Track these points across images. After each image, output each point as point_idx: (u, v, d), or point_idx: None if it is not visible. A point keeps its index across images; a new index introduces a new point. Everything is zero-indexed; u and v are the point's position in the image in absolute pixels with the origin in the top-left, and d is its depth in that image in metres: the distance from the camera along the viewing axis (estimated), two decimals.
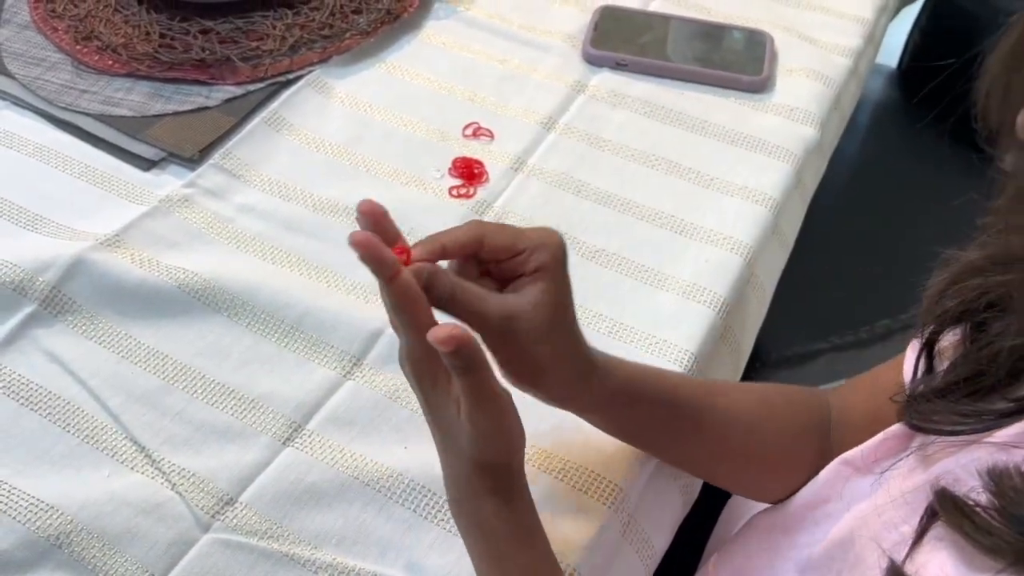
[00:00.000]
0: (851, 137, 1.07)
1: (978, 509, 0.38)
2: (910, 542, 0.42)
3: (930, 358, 0.50)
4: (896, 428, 0.51)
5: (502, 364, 0.48)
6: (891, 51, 1.29)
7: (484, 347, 0.45)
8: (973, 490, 0.39)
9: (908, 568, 0.41)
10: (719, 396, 0.58)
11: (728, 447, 0.58)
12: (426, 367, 0.45)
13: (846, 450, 0.55)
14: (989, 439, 0.42)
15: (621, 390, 0.53)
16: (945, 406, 0.46)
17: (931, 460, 0.45)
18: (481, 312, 0.46)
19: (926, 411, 0.47)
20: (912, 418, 0.48)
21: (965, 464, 0.42)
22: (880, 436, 0.52)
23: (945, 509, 0.40)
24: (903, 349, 1.04)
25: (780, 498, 0.60)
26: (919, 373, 0.50)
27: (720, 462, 0.60)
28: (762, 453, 0.59)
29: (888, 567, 0.42)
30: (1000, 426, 0.42)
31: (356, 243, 0.42)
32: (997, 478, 0.38)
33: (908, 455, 0.48)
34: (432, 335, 0.41)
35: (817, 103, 0.85)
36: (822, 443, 0.60)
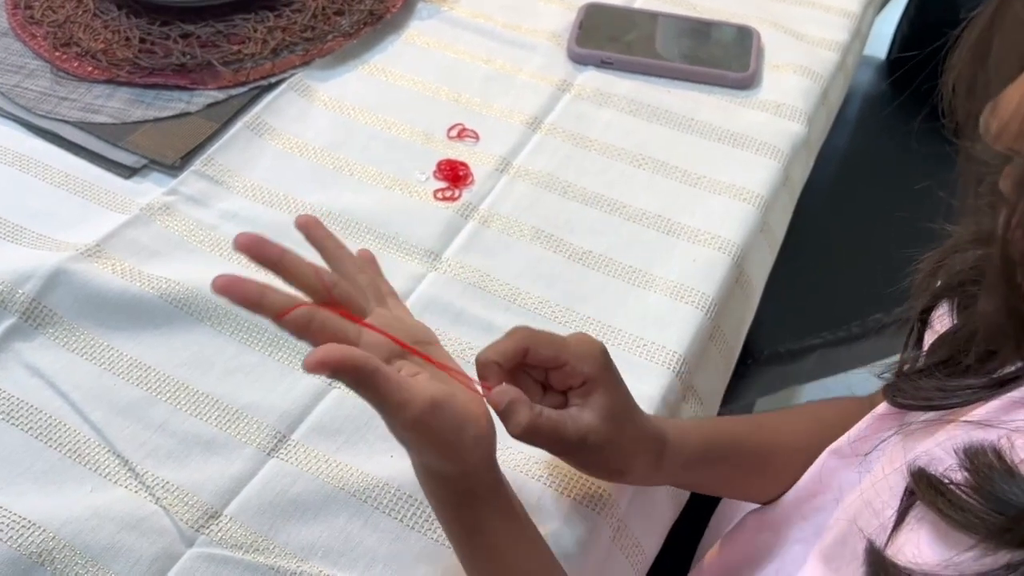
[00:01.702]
0: (839, 129, 1.06)
1: (952, 486, 0.39)
2: (891, 526, 0.42)
3: (920, 336, 0.50)
4: (881, 409, 0.51)
5: (588, 469, 0.52)
6: (880, 42, 1.28)
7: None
8: (949, 468, 0.39)
9: (889, 551, 0.41)
10: (781, 433, 0.61)
11: (793, 475, 0.60)
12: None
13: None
14: (966, 418, 0.42)
15: (694, 458, 0.56)
16: (927, 383, 0.46)
17: (911, 443, 0.46)
18: (560, 436, 0.48)
19: (908, 388, 0.47)
20: (895, 395, 0.48)
21: (942, 443, 0.42)
22: (866, 419, 0.52)
23: (920, 487, 0.40)
24: (896, 343, 1.03)
25: None
26: (908, 349, 0.51)
27: (785, 488, 0.61)
28: None
29: (866, 548, 0.41)
30: (980, 399, 0.43)
31: (218, 287, 0.41)
32: (972, 456, 0.39)
33: (890, 435, 0.48)
34: (307, 365, 0.39)
35: (804, 98, 0.84)
36: None
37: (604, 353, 0.50)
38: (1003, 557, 0.36)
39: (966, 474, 0.38)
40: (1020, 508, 0.36)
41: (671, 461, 0.54)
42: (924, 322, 0.50)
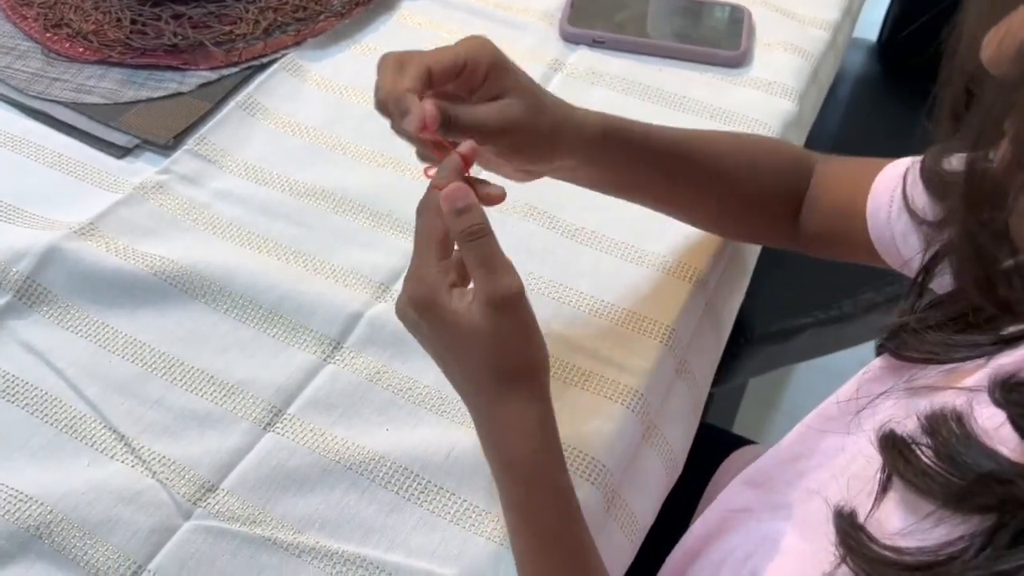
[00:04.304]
0: (831, 111, 1.06)
1: (916, 451, 0.39)
2: (876, 491, 0.42)
3: (922, 288, 0.50)
4: (871, 372, 0.50)
5: (516, 156, 0.56)
6: (871, 24, 1.29)
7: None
8: (914, 433, 0.40)
9: (875, 516, 0.41)
10: (701, 147, 0.64)
11: (705, 193, 0.65)
12: None
13: (807, 228, 0.65)
14: (957, 385, 0.42)
15: (605, 136, 0.60)
16: (934, 337, 0.46)
17: (901, 408, 0.46)
18: (482, 122, 0.54)
19: (913, 341, 0.47)
20: (899, 347, 0.48)
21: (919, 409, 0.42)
22: (854, 381, 0.52)
23: (886, 451, 0.41)
24: (886, 322, 1.03)
25: (764, 242, 0.71)
26: (911, 299, 0.50)
27: (700, 207, 0.66)
28: (740, 199, 0.66)
29: (835, 514, 0.42)
30: (984, 355, 0.43)
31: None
32: (934, 421, 0.39)
33: (878, 396, 0.48)
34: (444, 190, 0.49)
35: (795, 76, 0.85)
36: (797, 200, 0.66)
37: (492, 46, 0.55)
38: (960, 527, 0.37)
39: (928, 439, 0.39)
40: (978, 473, 0.36)
41: (586, 138, 0.59)
42: (929, 272, 0.50)
